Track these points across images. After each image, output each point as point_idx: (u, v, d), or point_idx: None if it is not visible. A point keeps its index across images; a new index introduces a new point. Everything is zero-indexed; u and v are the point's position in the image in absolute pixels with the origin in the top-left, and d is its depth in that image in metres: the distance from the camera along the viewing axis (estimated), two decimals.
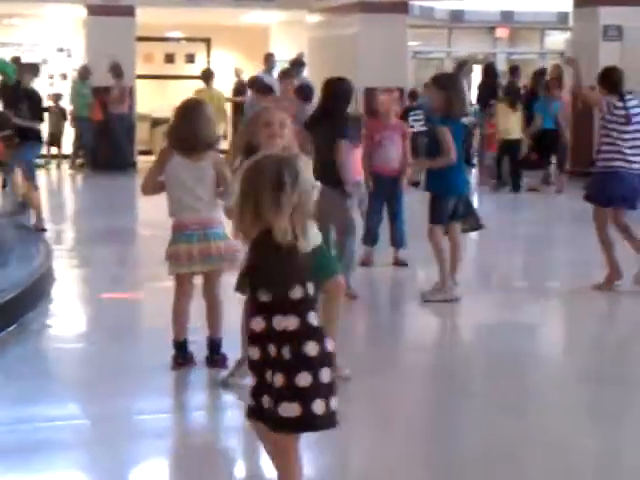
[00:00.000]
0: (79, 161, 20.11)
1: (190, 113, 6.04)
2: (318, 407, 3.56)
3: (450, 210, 8.02)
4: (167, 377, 5.97)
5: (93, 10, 20.02)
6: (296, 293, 3.61)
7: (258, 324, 3.64)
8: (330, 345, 3.63)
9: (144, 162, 20.69)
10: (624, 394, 5.84)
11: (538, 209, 15.13)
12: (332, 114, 7.99)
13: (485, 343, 7.20)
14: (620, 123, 8.34)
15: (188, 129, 5.96)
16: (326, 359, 3.61)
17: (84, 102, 19.72)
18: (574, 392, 5.92)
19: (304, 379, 3.55)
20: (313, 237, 3.72)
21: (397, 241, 9.65)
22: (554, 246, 11.73)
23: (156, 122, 22.68)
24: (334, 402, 3.61)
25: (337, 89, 8.33)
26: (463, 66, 17.24)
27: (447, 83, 8.10)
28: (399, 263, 9.60)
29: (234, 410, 5.52)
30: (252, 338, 3.68)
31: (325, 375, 3.58)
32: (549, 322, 8.11)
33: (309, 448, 4.20)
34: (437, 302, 7.91)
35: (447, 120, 7.86)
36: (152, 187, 6.24)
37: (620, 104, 8.37)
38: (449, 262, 8.10)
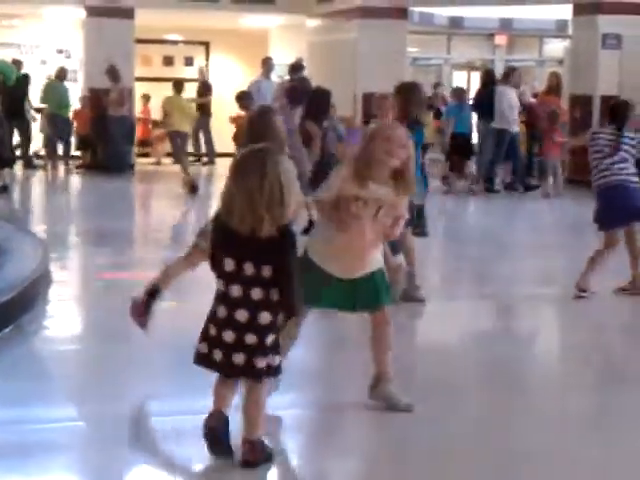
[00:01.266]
0: (73, 162, 20.09)
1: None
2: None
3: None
4: (164, 380, 5.97)
5: (92, 11, 20.01)
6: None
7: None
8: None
9: (142, 164, 20.73)
10: (613, 400, 5.85)
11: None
12: None
13: (469, 350, 7.20)
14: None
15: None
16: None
17: (61, 102, 19.63)
18: (563, 399, 5.92)
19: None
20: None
21: None
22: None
23: (154, 124, 22.69)
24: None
25: None
26: (510, 73, 16.82)
27: (404, 90, 8.20)
28: None
29: (236, 414, 5.52)
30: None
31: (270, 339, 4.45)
32: (538, 328, 8.11)
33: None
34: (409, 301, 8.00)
35: (413, 127, 7.90)
36: None
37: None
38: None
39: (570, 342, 7.67)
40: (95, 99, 19.70)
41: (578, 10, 18.10)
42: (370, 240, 5.18)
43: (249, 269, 4.42)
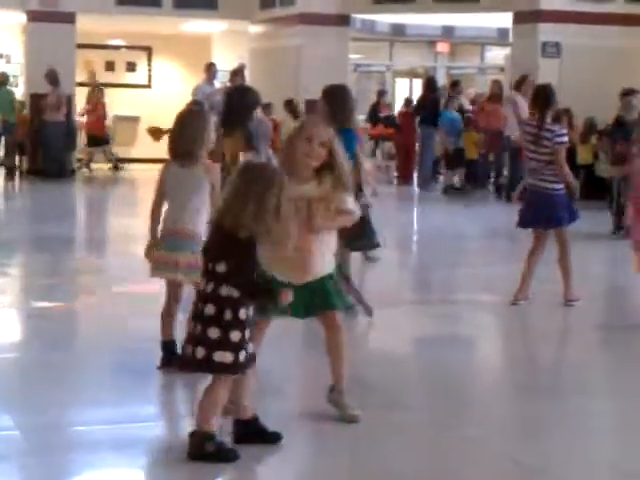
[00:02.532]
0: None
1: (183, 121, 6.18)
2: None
3: None
4: (101, 388, 5.92)
5: (33, 16, 19.84)
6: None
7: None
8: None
9: (83, 171, 20.58)
10: (559, 406, 5.89)
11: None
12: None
13: (419, 356, 7.22)
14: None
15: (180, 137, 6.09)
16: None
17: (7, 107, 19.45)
18: (510, 405, 5.96)
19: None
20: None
21: None
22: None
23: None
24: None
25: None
26: (523, 81, 16.70)
27: (331, 93, 8.16)
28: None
29: (170, 422, 5.49)
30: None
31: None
32: (485, 335, 8.16)
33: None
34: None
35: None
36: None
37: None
38: None
39: (511, 349, 7.73)
40: (35, 104, 19.52)
41: (518, 18, 18.27)
42: (310, 240, 5.16)
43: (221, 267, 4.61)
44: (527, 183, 8.57)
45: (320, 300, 5.25)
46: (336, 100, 8.03)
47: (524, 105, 14.93)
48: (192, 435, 4.69)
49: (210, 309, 4.60)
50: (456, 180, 18.62)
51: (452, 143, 18.22)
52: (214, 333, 4.57)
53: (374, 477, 4.74)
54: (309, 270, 5.21)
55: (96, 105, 21.34)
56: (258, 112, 9.30)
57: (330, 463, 4.88)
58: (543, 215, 8.38)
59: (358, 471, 4.86)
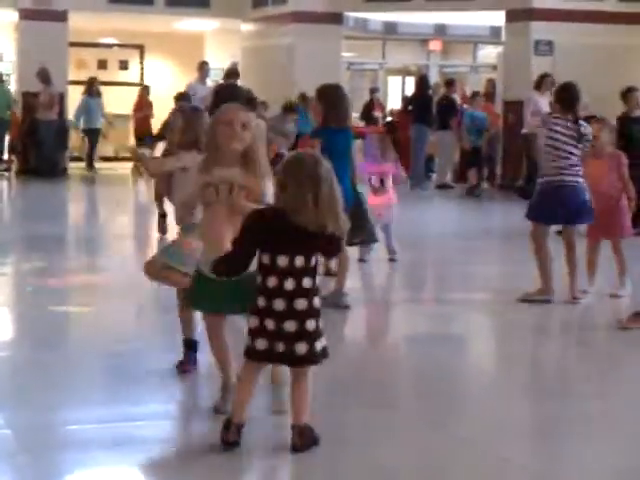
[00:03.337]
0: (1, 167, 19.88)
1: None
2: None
3: None
4: (93, 387, 5.91)
5: (25, 15, 19.80)
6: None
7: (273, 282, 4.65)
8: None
9: (76, 169, 20.55)
10: (554, 407, 5.90)
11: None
12: None
13: (412, 355, 7.23)
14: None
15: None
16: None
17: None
18: (503, 405, 5.96)
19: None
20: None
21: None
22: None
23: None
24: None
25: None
26: (543, 79, 16.01)
27: (325, 93, 8.13)
28: (330, 273, 9.59)
29: (159, 422, 5.48)
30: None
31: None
32: (479, 334, 8.16)
33: None
34: (332, 307, 7.92)
35: (324, 130, 7.90)
36: None
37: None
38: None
39: (506, 348, 7.73)
40: (27, 103, 19.49)
41: (511, 16, 18.29)
42: (230, 228, 5.00)
43: (299, 261, 4.66)
44: (559, 180, 8.44)
45: (235, 299, 5.05)
46: (331, 100, 8.01)
47: (544, 103, 14.88)
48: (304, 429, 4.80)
49: (302, 303, 4.66)
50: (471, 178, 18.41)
51: (471, 142, 17.89)
52: (311, 325, 4.71)
53: (365, 476, 4.74)
54: None
55: (142, 104, 21.28)
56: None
57: (320, 462, 4.88)
58: (573, 210, 8.38)
59: (349, 470, 4.86)
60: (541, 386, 6.49)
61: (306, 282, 4.66)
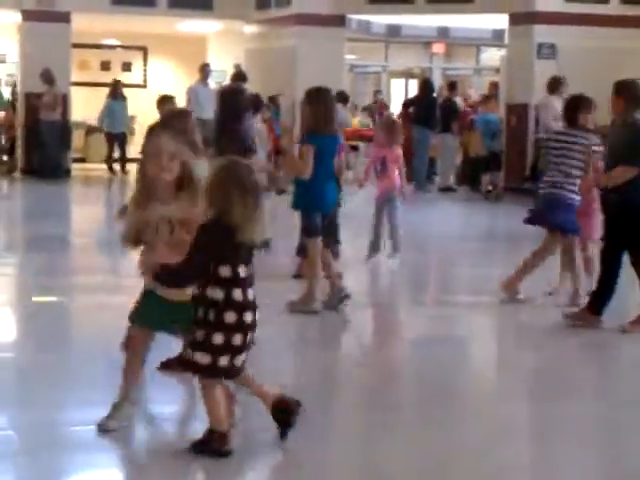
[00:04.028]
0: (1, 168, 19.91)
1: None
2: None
3: (319, 224, 8.10)
4: (97, 388, 5.90)
5: (28, 16, 19.80)
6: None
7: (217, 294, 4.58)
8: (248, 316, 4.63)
9: (78, 170, 20.56)
10: (556, 410, 5.90)
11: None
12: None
13: (413, 356, 7.23)
14: None
15: None
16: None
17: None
18: (507, 408, 5.96)
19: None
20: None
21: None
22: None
23: (91, 130, 22.50)
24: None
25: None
26: (558, 82, 15.67)
27: (314, 98, 8.13)
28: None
29: (162, 423, 5.49)
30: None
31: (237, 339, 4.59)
32: (479, 336, 8.16)
33: None
34: (301, 312, 7.92)
35: (314, 135, 7.91)
36: None
37: None
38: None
39: (505, 350, 7.74)
40: (30, 104, 19.50)
41: (514, 20, 18.29)
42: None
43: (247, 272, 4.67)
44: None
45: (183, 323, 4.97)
46: (321, 104, 8.01)
47: (559, 105, 14.25)
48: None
49: (250, 316, 4.66)
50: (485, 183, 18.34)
51: (487, 146, 17.61)
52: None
53: (365, 475, 4.75)
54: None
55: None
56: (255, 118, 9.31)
57: (321, 460, 4.88)
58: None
59: (350, 469, 4.86)
60: (544, 389, 6.49)
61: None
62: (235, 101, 8.55)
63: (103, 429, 5.02)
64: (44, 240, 11.78)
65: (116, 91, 20.41)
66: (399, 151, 10.56)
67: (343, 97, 17.08)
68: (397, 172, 10.47)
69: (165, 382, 6.02)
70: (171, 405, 5.74)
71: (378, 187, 10.55)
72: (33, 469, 4.71)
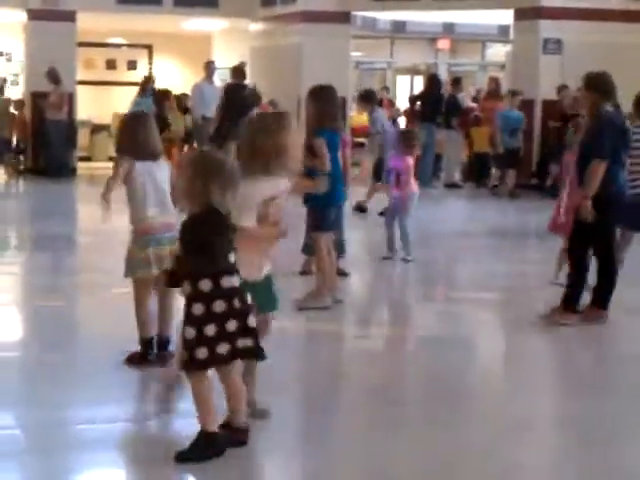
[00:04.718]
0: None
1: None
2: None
3: (332, 219, 8.15)
4: (103, 387, 5.91)
5: (33, 15, 19.81)
6: None
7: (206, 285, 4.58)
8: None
9: (84, 168, 20.57)
10: (561, 407, 5.89)
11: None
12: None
13: (417, 353, 7.22)
14: None
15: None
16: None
17: None
18: (508, 403, 5.95)
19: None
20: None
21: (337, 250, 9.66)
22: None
23: (97, 128, 22.52)
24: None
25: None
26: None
27: (319, 95, 8.20)
28: (339, 272, 9.58)
29: (169, 421, 5.49)
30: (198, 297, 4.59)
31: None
32: (484, 333, 8.15)
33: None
34: (311, 309, 7.93)
35: (322, 131, 7.97)
36: None
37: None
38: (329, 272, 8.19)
39: (510, 347, 7.72)
40: (36, 103, 19.52)
41: (519, 15, 18.25)
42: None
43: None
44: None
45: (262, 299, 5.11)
46: (325, 101, 8.08)
47: None
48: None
49: (237, 303, 4.69)
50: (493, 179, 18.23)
51: (505, 143, 17.22)
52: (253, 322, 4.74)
53: (369, 472, 4.74)
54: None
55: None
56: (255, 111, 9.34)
57: (324, 459, 4.88)
58: None
59: (353, 465, 4.86)
60: (552, 387, 6.48)
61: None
62: (238, 97, 8.60)
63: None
64: (50, 239, 11.79)
65: (147, 87, 20.03)
66: (410, 161, 10.52)
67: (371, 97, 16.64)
68: (411, 180, 10.52)
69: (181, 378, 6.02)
70: (180, 402, 5.74)
71: (392, 195, 10.56)
72: (39, 468, 4.72)
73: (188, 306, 4.62)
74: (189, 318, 4.61)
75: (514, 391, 6.24)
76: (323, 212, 8.14)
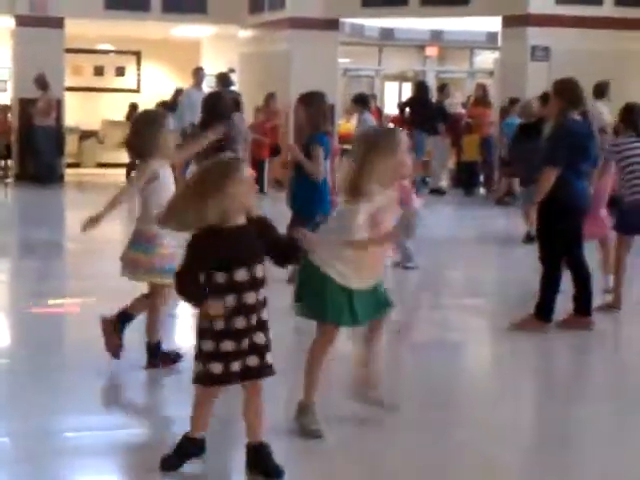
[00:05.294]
0: None
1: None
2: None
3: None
4: (90, 394, 5.90)
5: (21, 21, 19.78)
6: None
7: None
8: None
9: (72, 175, 20.54)
10: (551, 411, 5.90)
11: None
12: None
13: (409, 359, 7.23)
14: None
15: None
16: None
17: None
18: (500, 409, 5.96)
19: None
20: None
21: None
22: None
23: (85, 135, 22.50)
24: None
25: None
26: (606, 87, 15.27)
27: (310, 100, 8.25)
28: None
29: (157, 428, 5.48)
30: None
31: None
32: (475, 338, 8.16)
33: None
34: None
35: (318, 135, 8.01)
36: None
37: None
38: None
39: (501, 353, 7.73)
40: (24, 109, 19.49)
41: (507, 22, 18.30)
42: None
43: (260, 273, 4.51)
44: None
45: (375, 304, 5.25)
46: (320, 106, 8.14)
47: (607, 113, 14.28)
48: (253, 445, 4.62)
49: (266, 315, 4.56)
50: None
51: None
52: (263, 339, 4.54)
53: (359, 475, 4.75)
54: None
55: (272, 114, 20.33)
56: (235, 116, 9.37)
57: (318, 462, 4.87)
58: None
59: (343, 470, 4.86)
60: (541, 392, 6.49)
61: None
62: (218, 104, 8.65)
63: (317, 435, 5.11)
64: (38, 245, 11.76)
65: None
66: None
67: (366, 100, 16.50)
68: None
69: (170, 385, 6.03)
70: (168, 410, 5.73)
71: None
72: (28, 476, 4.70)
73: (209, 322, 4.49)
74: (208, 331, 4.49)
75: (502, 396, 6.25)
76: (309, 221, 8.10)
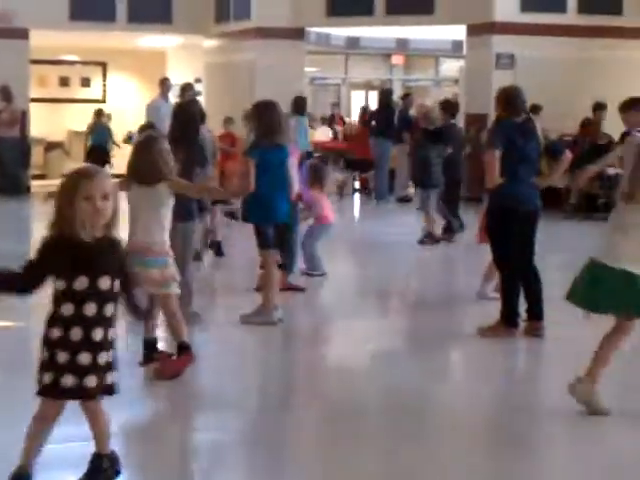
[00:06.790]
0: None
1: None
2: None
3: (272, 236, 8.14)
4: (69, 404, 5.85)
5: None
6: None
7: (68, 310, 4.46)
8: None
9: (38, 187, 20.41)
10: (527, 419, 5.91)
11: None
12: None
13: (380, 369, 7.23)
14: None
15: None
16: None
17: None
18: (476, 417, 5.97)
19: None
20: None
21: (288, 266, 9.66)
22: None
23: (51, 146, 22.38)
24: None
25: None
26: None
27: (257, 110, 8.22)
28: (294, 288, 9.57)
29: (128, 439, 5.45)
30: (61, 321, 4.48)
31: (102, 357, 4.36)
32: (448, 348, 8.18)
33: None
34: (257, 324, 7.95)
35: (256, 148, 7.98)
36: None
37: None
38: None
39: (477, 362, 7.75)
40: None
41: (472, 30, 18.39)
42: None
43: (104, 286, 4.39)
44: None
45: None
46: (264, 117, 8.07)
47: None
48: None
49: (99, 333, 4.51)
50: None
51: None
52: (106, 357, 4.51)
53: None
54: None
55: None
56: (203, 128, 9.34)
57: (287, 473, 4.86)
58: None
59: (317, 478, 4.86)
60: (518, 399, 6.50)
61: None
62: (189, 114, 8.58)
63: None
64: (3, 259, 11.65)
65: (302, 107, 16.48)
66: (318, 196, 10.39)
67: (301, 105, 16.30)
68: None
69: (151, 397, 5.99)
70: (140, 420, 5.70)
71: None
72: None
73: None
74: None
75: (473, 403, 6.26)
76: (258, 229, 8.13)
